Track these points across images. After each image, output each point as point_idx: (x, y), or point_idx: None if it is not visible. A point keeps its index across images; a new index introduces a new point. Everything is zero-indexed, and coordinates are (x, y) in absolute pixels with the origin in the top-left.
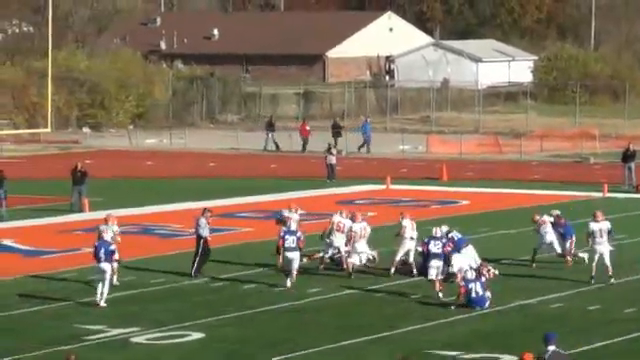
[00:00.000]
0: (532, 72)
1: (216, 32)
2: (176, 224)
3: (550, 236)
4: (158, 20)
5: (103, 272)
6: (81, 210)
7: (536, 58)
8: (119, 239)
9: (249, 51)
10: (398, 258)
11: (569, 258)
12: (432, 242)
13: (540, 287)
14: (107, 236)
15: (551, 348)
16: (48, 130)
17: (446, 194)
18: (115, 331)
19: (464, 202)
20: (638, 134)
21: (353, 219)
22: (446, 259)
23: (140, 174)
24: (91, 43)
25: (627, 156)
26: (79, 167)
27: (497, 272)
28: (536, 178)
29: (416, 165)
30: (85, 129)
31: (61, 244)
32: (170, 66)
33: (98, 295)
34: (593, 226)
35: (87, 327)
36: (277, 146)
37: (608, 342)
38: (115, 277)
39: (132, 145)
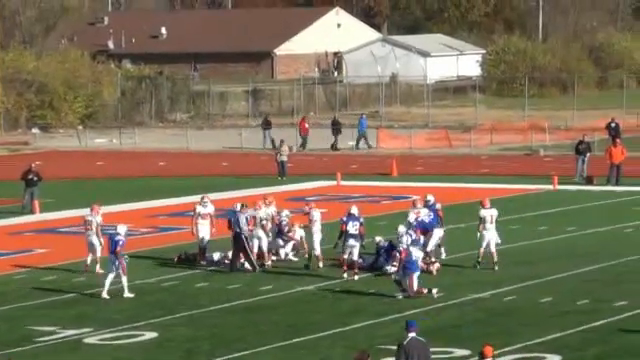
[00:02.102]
0: (480, 66)
1: (164, 31)
2: (127, 224)
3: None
4: (106, 19)
5: (111, 263)
6: (32, 212)
7: (484, 52)
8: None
9: (197, 49)
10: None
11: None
12: (350, 222)
13: (491, 280)
14: (94, 227)
15: (411, 335)
16: None
17: (397, 189)
18: (68, 332)
19: (415, 197)
20: (587, 126)
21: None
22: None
23: (91, 174)
24: (39, 44)
25: (581, 148)
26: (33, 168)
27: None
28: (486, 172)
29: (366, 161)
30: (34, 130)
31: (13, 246)
32: (118, 66)
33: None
34: (483, 212)
35: (39, 329)
36: (273, 144)
37: (561, 334)
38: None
39: (82, 145)
